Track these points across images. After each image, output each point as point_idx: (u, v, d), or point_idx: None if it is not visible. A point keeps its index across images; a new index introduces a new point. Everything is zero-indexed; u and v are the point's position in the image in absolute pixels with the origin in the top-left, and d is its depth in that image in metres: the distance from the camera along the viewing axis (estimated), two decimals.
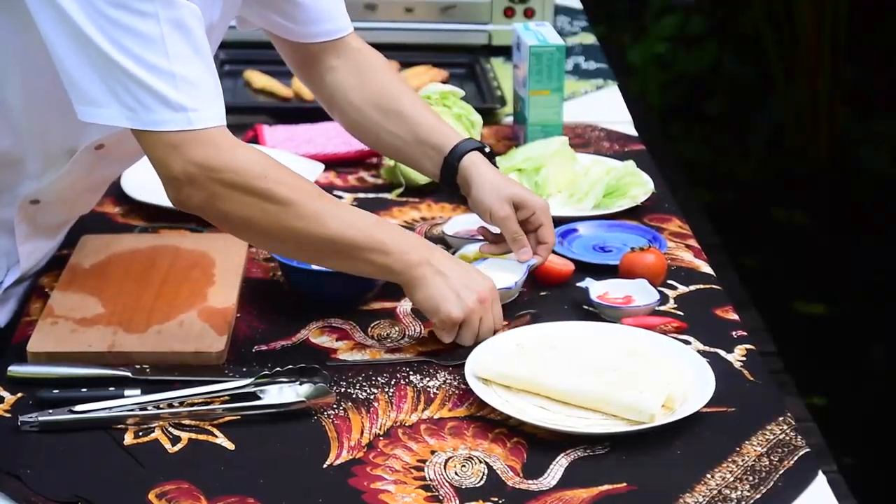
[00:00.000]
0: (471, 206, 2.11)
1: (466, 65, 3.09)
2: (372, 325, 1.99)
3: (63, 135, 1.90)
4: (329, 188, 2.46)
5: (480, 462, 1.67)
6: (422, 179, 2.43)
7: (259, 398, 1.78)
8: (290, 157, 2.51)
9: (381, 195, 2.43)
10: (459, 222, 2.26)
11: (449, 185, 2.13)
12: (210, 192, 1.75)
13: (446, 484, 1.63)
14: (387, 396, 1.81)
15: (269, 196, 1.76)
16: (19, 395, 1.81)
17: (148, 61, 1.70)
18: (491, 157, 2.13)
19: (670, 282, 2.12)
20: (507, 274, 2.03)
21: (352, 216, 1.84)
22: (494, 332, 1.89)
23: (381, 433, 1.73)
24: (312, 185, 1.83)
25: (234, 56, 3.06)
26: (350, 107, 2.16)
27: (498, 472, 1.65)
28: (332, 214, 1.81)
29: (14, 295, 2.09)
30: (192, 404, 1.78)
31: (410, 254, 1.84)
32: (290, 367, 1.82)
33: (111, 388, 1.80)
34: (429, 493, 1.61)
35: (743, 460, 1.68)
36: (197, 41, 1.75)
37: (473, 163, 2.09)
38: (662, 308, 2.04)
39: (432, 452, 1.69)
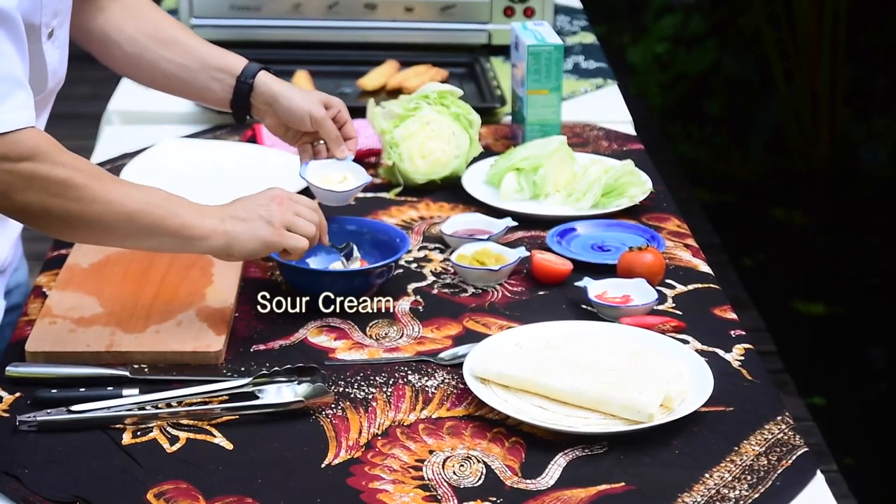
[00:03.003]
0: (274, 122, 2.16)
1: (466, 64, 3.09)
2: (370, 325, 1.99)
3: None
4: None
5: (479, 462, 1.67)
6: (421, 179, 2.43)
7: (257, 398, 1.78)
8: (288, 157, 2.51)
9: (379, 195, 2.43)
10: (458, 222, 2.26)
11: (239, 107, 2.16)
12: (7, 184, 1.75)
13: (444, 483, 1.63)
14: (385, 396, 1.81)
15: (68, 183, 1.76)
16: (17, 394, 1.81)
17: None
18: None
19: (669, 281, 2.12)
20: (340, 174, 2.14)
21: (148, 192, 1.85)
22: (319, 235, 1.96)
23: (380, 433, 1.73)
24: (105, 171, 1.84)
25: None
26: (127, 40, 2.16)
27: (496, 471, 1.65)
28: (130, 193, 1.82)
29: None
30: (191, 404, 1.78)
31: (205, 218, 1.86)
32: (289, 366, 1.82)
33: (109, 388, 1.80)
34: (427, 493, 1.61)
35: (741, 460, 1.68)
36: None
37: (270, 79, 2.15)
38: (661, 307, 2.04)
39: (430, 452, 1.69)
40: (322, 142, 2.17)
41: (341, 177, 2.14)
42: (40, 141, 1.76)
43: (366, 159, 2.57)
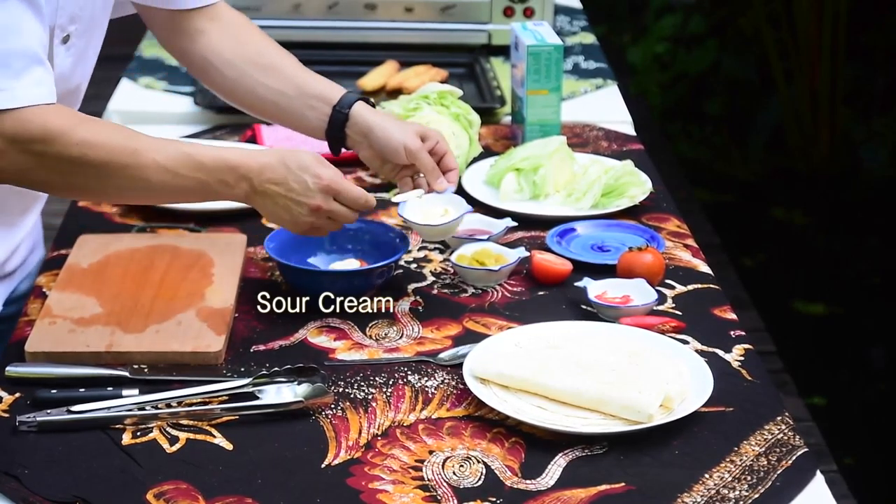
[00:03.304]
0: (370, 155, 2.12)
1: (466, 64, 3.10)
2: (370, 325, 1.99)
3: None
4: None
5: (478, 462, 1.67)
6: None
7: (257, 398, 1.78)
8: None
9: (379, 195, 2.42)
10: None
11: (335, 136, 2.12)
12: (21, 165, 1.75)
13: (444, 484, 1.63)
14: (385, 396, 1.81)
15: (83, 162, 1.77)
16: (17, 395, 1.81)
17: None
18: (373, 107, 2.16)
19: (668, 281, 2.12)
20: (440, 207, 2.07)
21: (175, 162, 1.82)
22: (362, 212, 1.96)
23: (379, 433, 1.73)
24: (130, 137, 1.82)
25: None
26: (226, 65, 2.14)
27: (496, 471, 1.65)
28: (154, 166, 1.80)
29: None
30: (190, 404, 1.78)
31: (235, 188, 1.85)
32: (288, 366, 1.82)
33: (109, 388, 1.80)
34: (427, 493, 1.61)
35: (741, 460, 1.68)
36: (14, 17, 1.73)
37: (366, 110, 2.11)
38: (660, 308, 2.04)
39: (430, 452, 1.69)
40: (422, 175, 2.11)
41: (442, 210, 2.07)
42: (51, 120, 1.76)
43: None
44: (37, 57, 1.77)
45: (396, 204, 2.07)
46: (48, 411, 1.74)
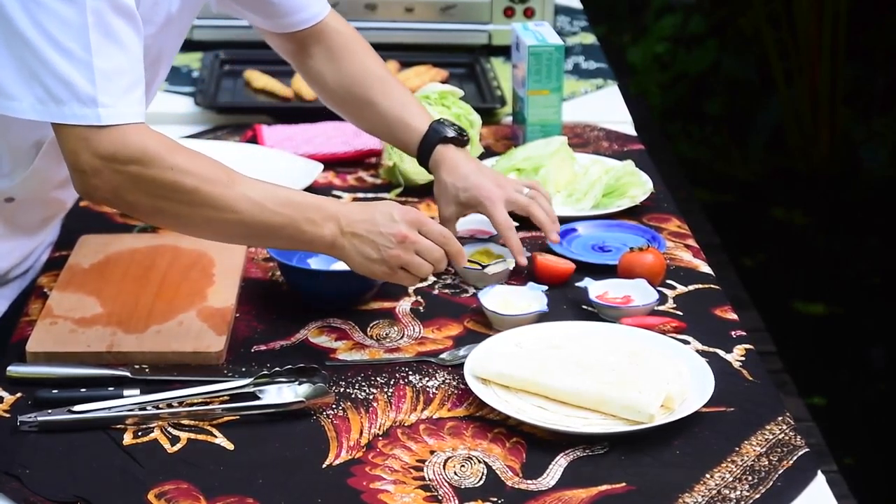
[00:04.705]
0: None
1: (466, 65, 3.09)
2: (371, 325, 1.99)
3: (26, 129, 1.88)
4: (328, 188, 2.46)
5: (479, 462, 1.67)
6: (421, 179, 2.43)
7: (258, 398, 1.78)
8: (289, 157, 2.51)
9: (379, 195, 2.43)
10: (458, 222, 2.25)
11: (426, 167, 2.20)
12: (115, 184, 1.74)
13: (445, 484, 1.63)
14: (386, 396, 1.81)
15: (176, 187, 1.75)
16: (18, 395, 1.81)
17: (66, 48, 1.69)
18: (461, 136, 2.18)
19: (669, 281, 2.12)
20: (525, 301, 2.02)
21: (263, 196, 1.81)
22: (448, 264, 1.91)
23: (381, 433, 1.73)
24: (223, 170, 1.81)
25: (235, 56, 3.07)
26: (327, 92, 2.23)
27: (497, 471, 1.65)
28: (244, 198, 1.79)
29: (2, 297, 2.10)
30: (192, 404, 1.78)
31: (323, 227, 1.83)
32: (289, 367, 1.82)
33: (110, 389, 1.80)
34: (428, 493, 1.61)
35: (742, 460, 1.68)
36: (122, 34, 1.73)
37: (438, 160, 2.15)
38: (661, 308, 2.04)
39: (431, 452, 1.69)
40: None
41: (526, 304, 2.01)
42: (149, 143, 1.75)
43: (366, 159, 2.58)
44: (141, 76, 1.77)
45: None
46: (49, 411, 1.74)
